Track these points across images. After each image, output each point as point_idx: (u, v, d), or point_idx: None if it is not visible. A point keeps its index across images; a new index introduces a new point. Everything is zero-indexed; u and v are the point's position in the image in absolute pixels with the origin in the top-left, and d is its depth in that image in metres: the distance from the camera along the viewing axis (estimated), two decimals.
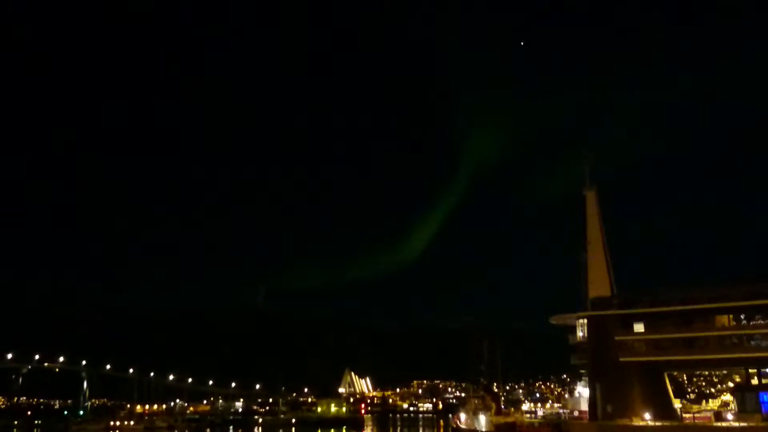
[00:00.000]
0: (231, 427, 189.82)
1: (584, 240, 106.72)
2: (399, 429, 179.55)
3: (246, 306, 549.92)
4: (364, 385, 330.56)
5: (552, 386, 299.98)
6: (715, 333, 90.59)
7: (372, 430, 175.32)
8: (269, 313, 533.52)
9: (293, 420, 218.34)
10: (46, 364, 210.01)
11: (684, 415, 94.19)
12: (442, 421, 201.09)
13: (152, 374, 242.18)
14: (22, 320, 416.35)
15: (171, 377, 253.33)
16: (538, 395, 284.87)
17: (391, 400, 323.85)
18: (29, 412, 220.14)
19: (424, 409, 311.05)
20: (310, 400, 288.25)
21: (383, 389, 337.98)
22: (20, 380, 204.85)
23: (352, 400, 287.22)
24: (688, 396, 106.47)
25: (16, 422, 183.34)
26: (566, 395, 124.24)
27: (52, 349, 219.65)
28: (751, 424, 78.38)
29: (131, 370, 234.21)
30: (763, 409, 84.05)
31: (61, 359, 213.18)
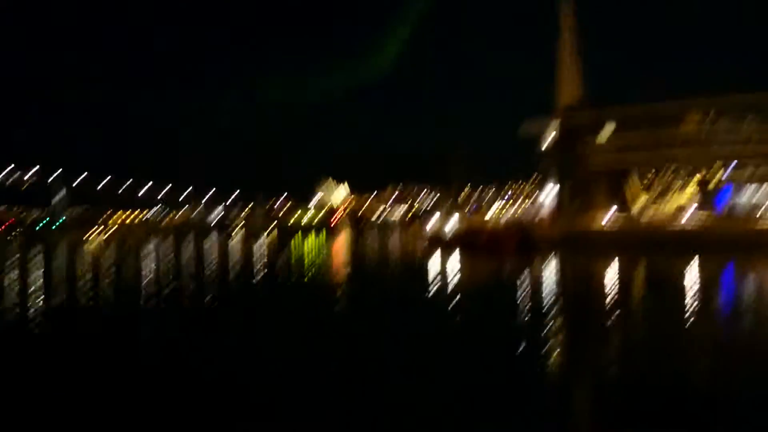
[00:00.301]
0: (212, 234, 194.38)
1: (556, 40, 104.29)
2: (374, 232, 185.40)
3: (215, 122, 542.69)
4: (340, 191, 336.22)
5: (522, 187, 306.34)
6: (683, 131, 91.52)
7: (347, 233, 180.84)
8: (241, 124, 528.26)
9: (272, 225, 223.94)
10: (18, 174, 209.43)
11: (646, 211, 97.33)
12: (415, 224, 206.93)
13: (129, 181, 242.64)
14: None
15: (148, 185, 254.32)
16: (508, 196, 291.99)
17: (366, 205, 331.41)
18: (6, 223, 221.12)
19: (399, 213, 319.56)
20: (287, 206, 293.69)
21: (358, 194, 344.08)
22: None
23: (328, 205, 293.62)
24: (651, 193, 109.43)
25: None
26: (535, 195, 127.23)
27: (25, 158, 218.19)
28: (711, 218, 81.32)
29: (107, 179, 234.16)
30: (723, 204, 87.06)
31: (36, 168, 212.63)
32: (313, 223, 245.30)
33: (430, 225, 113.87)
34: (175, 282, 55.80)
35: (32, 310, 40.13)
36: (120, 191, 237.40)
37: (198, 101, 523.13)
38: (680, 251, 66.57)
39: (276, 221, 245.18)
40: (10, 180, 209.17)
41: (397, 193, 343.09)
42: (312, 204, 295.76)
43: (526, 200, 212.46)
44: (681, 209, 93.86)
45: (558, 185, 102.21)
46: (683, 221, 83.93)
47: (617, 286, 46.18)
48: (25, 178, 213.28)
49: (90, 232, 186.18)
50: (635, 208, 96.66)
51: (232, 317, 36.55)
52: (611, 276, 54.29)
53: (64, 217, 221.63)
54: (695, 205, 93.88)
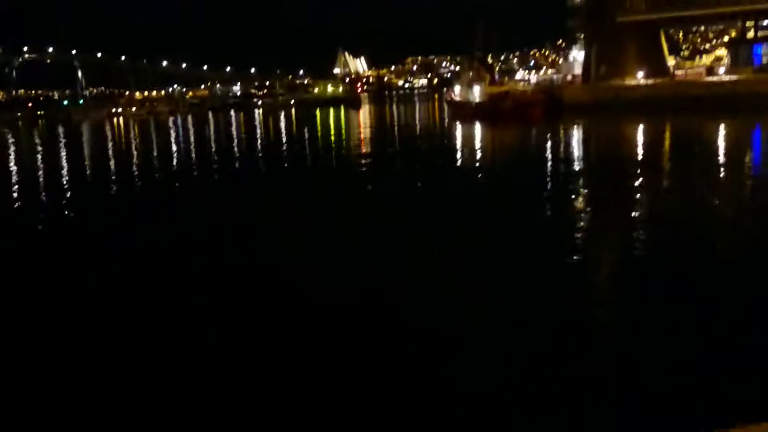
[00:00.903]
0: (232, 111, 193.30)
1: None
2: (395, 105, 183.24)
3: None
4: (358, 65, 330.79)
5: (547, 53, 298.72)
6: None
7: (368, 108, 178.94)
8: None
9: (292, 101, 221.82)
10: (36, 56, 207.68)
11: (676, 71, 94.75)
12: (437, 95, 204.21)
13: (145, 61, 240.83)
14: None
15: (165, 63, 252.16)
16: (532, 63, 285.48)
17: (386, 79, 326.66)
18: (30, 104, 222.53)
19: (420, 85, 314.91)
20: (306, 81, 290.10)
21: (378, 68, 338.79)
22: (14, 73, 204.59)
23: (347, 80, 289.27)
24: (682, 53, 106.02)
25: (19, 114, 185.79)
26: (561, 60, 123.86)
27: (40, 40, 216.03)
28: (742, 77, 78.78)
29: (123, 57, 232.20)
30: (755, 62, 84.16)
31: (51, 50, 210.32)
32: (336, 95, 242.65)
33: (454, 94, 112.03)
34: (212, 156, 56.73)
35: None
36: (137, 69, 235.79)
37: None
38: (714, 111, 65.21)
39: (296, 96, 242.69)
40: (27, 60, 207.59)
41: (417, 64, 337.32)
42: (331, 77, 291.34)
43: (552, 67, 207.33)
44: (712, 69, 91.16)
45: (585, 46, 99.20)
46: (715, 79, 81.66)
47: (647, 151, 45.65)
48: (44, 59, 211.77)
49: (111, 110, 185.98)
50: (666, 69, 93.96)
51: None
52: (642, 140, 53.56)
53: (86, 95, 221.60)
54: (727, 63, 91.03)
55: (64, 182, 44.44)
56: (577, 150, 48.84)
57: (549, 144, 52.40)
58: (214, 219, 28.20)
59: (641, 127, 61.27)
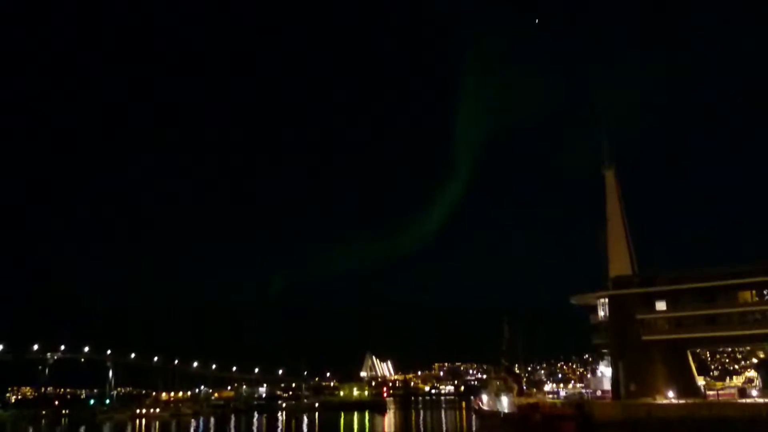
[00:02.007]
0: (255, 413, 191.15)
1: (604, 217, 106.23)
2: (421, 411, 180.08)
3: (267, 294, 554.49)
4: (385, 369, 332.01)
5: (574, 366, 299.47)
6: (738, 309, 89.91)
7: (394, 413, 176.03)
8: (290, 301, 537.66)
9: (316, 404, 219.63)
10: (70, 355, 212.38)
11: (708, 392, 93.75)
12: (464, 403, 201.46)
13: (176, 362, 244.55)
14: (48, 310, 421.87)
15: (195, 365, 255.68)
16: (560, 376, 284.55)
17: (412, 383, 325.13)
18: (56, 402, 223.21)
19: (446, 391, 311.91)
20: (332, 384, 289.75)
21: (404, 372, 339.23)
22: (47, 370, 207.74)
23: (374, 383, 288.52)
24: (711, 373, 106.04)
25: (44, 412, 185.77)
26: (588, 375, 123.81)
27: (78, 339, 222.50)
28: None
29: (156, 359, 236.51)
30: None
31: (86, 349, 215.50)
32: (362, 399, 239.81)
33: (482, 403, 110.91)
34: None
35: None
36: (166, 370, 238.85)
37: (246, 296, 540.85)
38: None
39: (321, 399, 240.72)
40: (61, 359, 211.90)
41: (444, 370, 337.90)
42: (357, 381, 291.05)
43: (581, 381, 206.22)
44: (745, 390, 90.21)
45: (612, 363, 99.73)
46: (749, 401, 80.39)
47: None
48: (77, 356, 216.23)
49: (136, 411, 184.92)
50: (696, 388, 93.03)
51: None
52: None
53: (113, 395, 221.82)
54: (758, 384, 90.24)
55: None
56: None
57: None
58: None
59: None
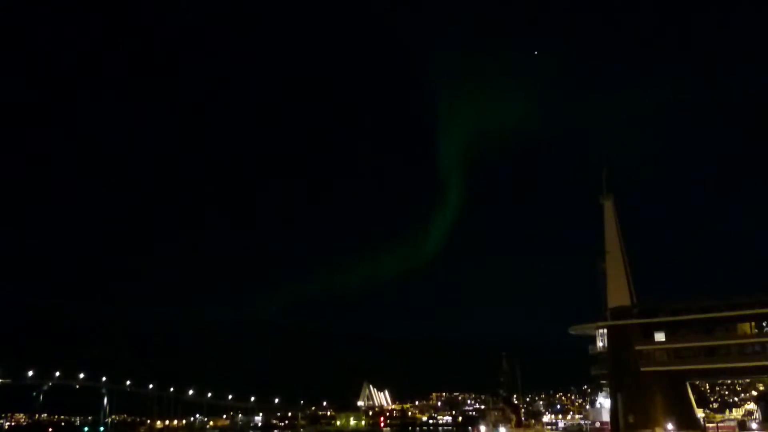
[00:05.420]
0: None
1: (603, 248, 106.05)
2: None
3: (262, 320, 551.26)
4: (382, 398, 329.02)
5: (573, 397, 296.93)
6: (737, 341, 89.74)
7: None
8: (285, 327, 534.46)
9: None
10: (65, 381, 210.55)
11: (707, 425, 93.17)
12: None
13: (172, 389, 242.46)
14: (40, 336, 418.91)
15: (191, 392, 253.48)
16: (558, 407, 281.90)
17: (410, 413, 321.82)
18: (50, 429, 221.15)
19: (444, 421, 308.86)
20: (329, 413, 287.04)
21: (402, 402, 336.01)
22: (41, 397, 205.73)
23: (370, 413, 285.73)
24: (711, 405, 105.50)
25: None
26: (587, 406, 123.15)
27: (72, 365, 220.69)
28: None
29: (151, 386, 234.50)
30: None
31: (81, 376, 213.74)
32: (358, 428, 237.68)
33: None
34: None
35: None
36: (162, 397, 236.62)
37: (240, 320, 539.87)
38: None
39: (317, 428, 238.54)
40: (56, 385, 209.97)
41: (441, 400, 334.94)
42: (354, 410, 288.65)
43: (579, 412, 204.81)
44: (744, 423, 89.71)
45: (611, 394, 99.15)
46: None
47: None
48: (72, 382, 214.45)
49: None
50: (696, 421, 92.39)
51: None
52: None
53: (107, 423, 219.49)
54: (758, 417, 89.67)
55: None
56: None
57: None
58: None
59: None
